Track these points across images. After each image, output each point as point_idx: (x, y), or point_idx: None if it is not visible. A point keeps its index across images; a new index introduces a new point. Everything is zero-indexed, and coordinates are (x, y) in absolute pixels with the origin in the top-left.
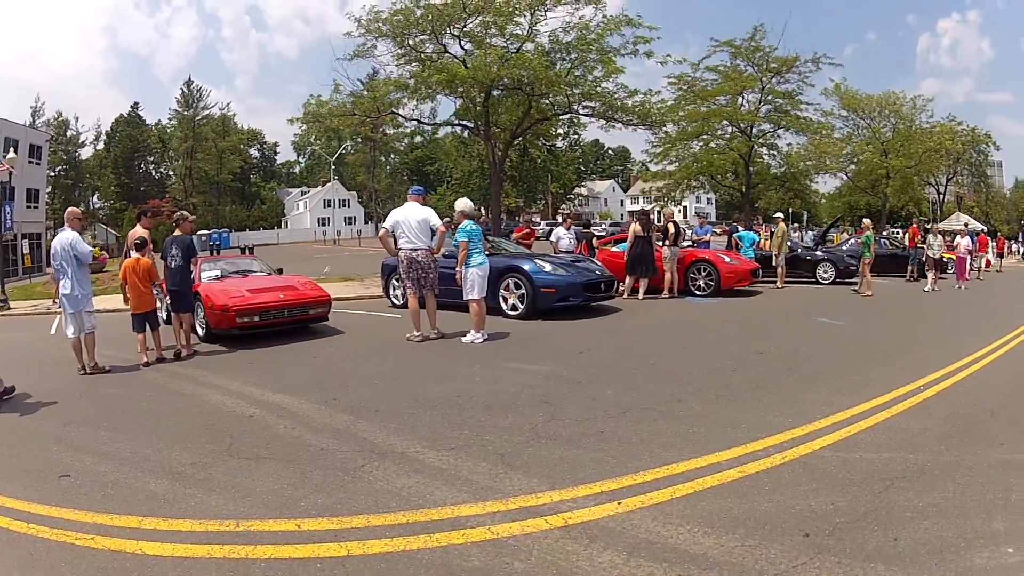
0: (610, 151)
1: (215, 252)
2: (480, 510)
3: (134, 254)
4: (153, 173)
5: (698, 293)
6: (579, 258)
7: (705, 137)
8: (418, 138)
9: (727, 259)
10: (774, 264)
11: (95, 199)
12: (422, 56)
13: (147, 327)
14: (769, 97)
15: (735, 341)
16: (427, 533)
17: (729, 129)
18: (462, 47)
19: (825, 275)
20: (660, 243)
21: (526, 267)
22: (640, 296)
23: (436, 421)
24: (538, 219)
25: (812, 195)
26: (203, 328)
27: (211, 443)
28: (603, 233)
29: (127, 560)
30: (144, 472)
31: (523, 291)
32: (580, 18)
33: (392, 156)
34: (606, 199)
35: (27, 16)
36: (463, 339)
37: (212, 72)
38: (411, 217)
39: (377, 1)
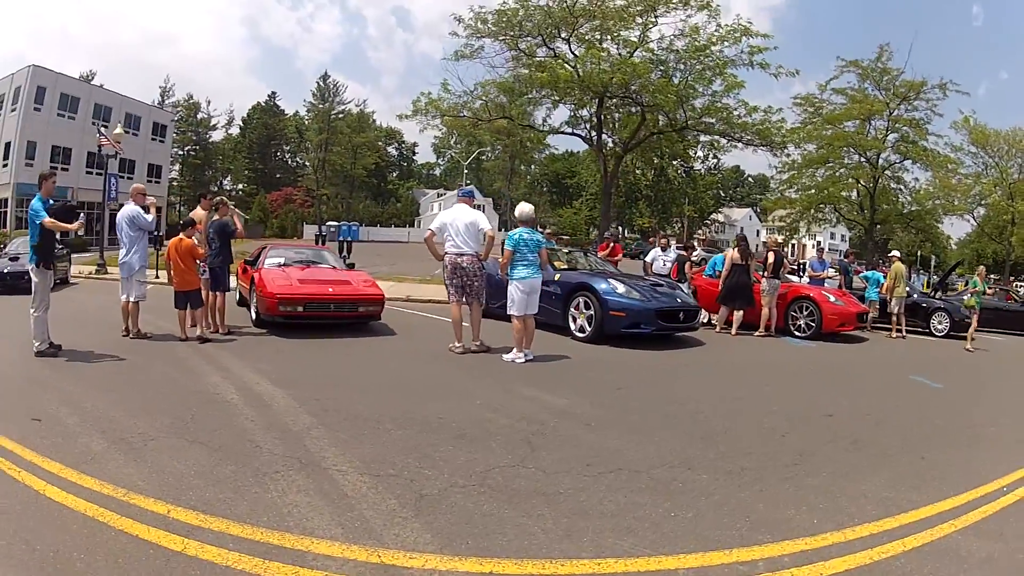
0: (750, 178)
1: (345, 245)
2: (331, 551)
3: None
4: (289, 161)
5: (797, 334)
6: (663, 282)
7: (831, 164)
8: (551, 149)
9: (832, 298)
10: (888, 310)
11: (227, 181)
12: (533, 60)
13: (188, 305)
14: (896, 125)
15: (806, 396)
16: (261, 556)
17: (855, 157)
18: (573, 52)
19: (939, 326)
20: (760, 272)
21: (597, 286)
22: (733, 331)
23: (392, 441)
24: (672, 241)
25: (941, 238)
26: (255, 312)
27: (170, 419)
28: (698, 259)
29: (22, 490)
30: (97, 432)
31: (592, 312)
32: (693, 26)
33: (532, 167)
34: (742, 227)
35: (159, 2)
36: (504, 356)
37: (358, 69)
38: (459, 220)
39: (486, 1)
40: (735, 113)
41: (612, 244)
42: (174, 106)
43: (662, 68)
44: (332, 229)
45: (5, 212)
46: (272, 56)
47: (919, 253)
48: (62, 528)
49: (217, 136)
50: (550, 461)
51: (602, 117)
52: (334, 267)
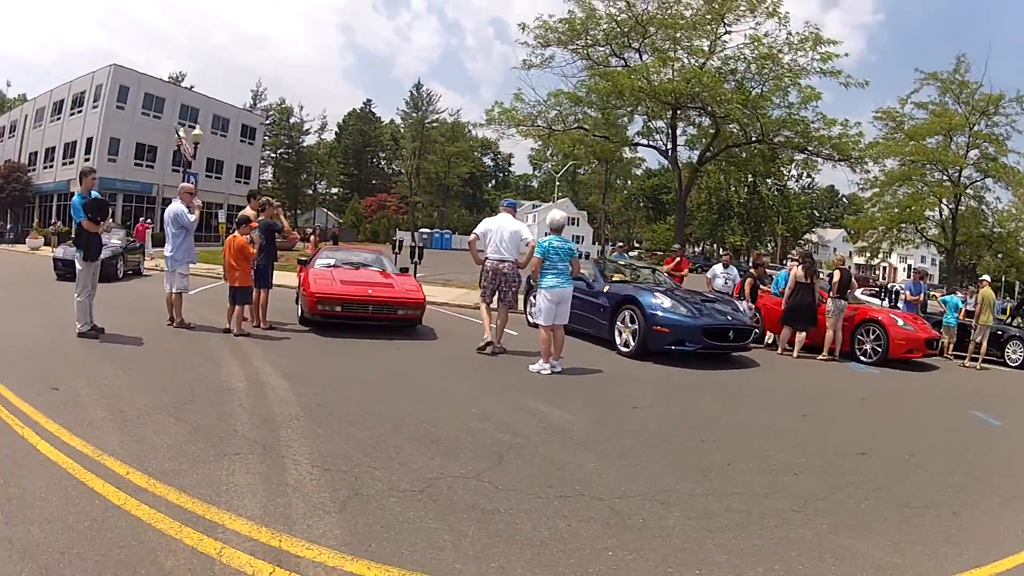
0: (844, 199)
1: (417, 251)
2: (241, 528)
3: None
4: (384, 168)
5: (863, 359)
6: (718, 299)
7: (912, 181)
8: (648, 164)
9: (901, 322)
10: (972, 337)
11: (322, 185)
12: (605, 70)
13: (235, 299)
14: (977, 141)
15: (846, 429)
16: (180, 521)
17: (937, 175)
18: (643, 61)
19: (1014, 355)
20: (830, 293)
21: (643, 300)
22: (795, 353)
23: (361, 439)
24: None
25: None
26: (300, 310)
27: (171, 399)
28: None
29: (18, 441)
30: (102, 404)
31: (636, 327)
32: (765, 34)
33: (629, 181)
34: (835, 248)
35: (252, 4)
36: (531, 367)
37: (456, 78)
38: (504, 228)
39: (554, 9)
40: (812, 126)
41: (678, 259)
42: (266, 110)
43: (734, 78)
44: (425, 237)
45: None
46: (368, 63)
47: (1003, 279)
48: (37, 475)
49: (310, 141)
50: (510, 477)
51: (675, 129)
52: (384, 271)
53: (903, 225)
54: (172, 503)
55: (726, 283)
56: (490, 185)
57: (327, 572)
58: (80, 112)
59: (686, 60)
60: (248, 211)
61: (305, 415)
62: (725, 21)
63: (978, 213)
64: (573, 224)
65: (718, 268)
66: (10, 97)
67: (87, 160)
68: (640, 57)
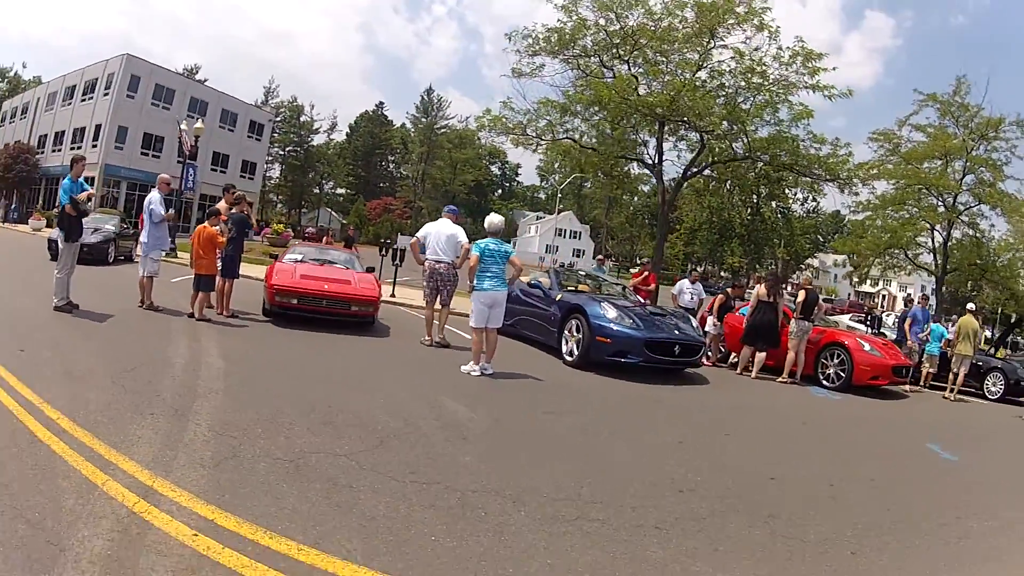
0: (851, 225)
1: (398, 252)
2: (126, 466)
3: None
4: (393, 172)
5: (826, 384)
6: (671, 313)
7: (905, 205)
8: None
9: (867, 347)
10: (952, 368)
11: (329, 184)
12: (592, 80)
13: (199, 286)
14: (974, 166)
15: (767, 453)
16: (84, 456)
17: (932, 200)
18: (632, 74)
19: (993, 388)
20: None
21: (588, 309)
22: (753, 373)
23: (263, 414)
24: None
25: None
26: (263, 301)
27: (118, 367)
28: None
29: None
30: (58, 365)
31: (581, 336)
32: (756, 48)
33: (636, 197)
34: (836, 275)
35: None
36: (462, 367)
37: (472, 85)
38: (441, 232)
39: (544, 18)
40: (802, 144)
41: (646, 273)
42: (277, 107)
43: (722, 92)
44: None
45: (92, 190)
46: (387, 65)
47: (1000, 310)
48: None
49: (319, 140)
50: (379, 460)
51: (662, 142)
52: (347, 268)
53: (894, 251)
54: (84, 443)
55: (692, 299)
56: (496, 194)
57: (178, 509)
58: (91, 99)
59: (675, 74)
60: (221, 204)
61: (224, 390)
62: (715, 35)
63: (980, 243)
64: (575, 238)
65: (685, 284)
66: (25, 79)
67: (95, 146)
68: (629, 68)
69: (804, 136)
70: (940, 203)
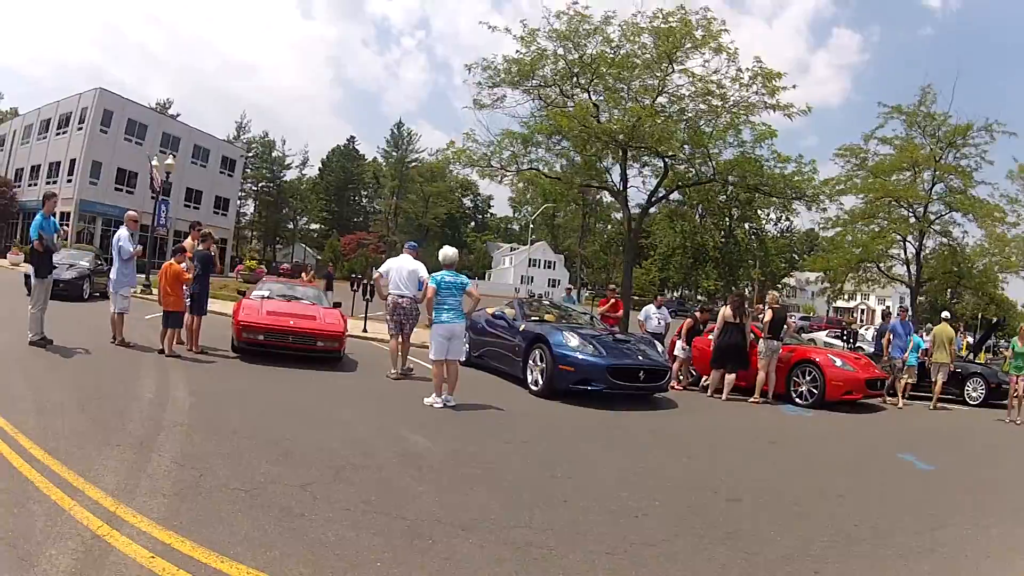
0: (823, 242)
1: (362, 287)
2: (86, 489)
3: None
4: (367, 206)
5: (799, 401)
6: (635, 339)
7: (878, 219)
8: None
9: (839, 362)
10: (931, 376)
11: (304, 220)
12: (553, 110)
13: (167, 323)
14: (942, 175)
15: (731, 474)
16: (46, 477)
17: (902, 211)
18: (593, 101)
19: (974, 393)
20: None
21: (551, 338)
22: (724, 396)
23: (227, 448)
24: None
25: (1004, 300)
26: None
27: (85, 399)
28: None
29: None
30: (30, 397)
31: (545, 365)
32: (715, 71)
33: (608, 225)
34: (813, 292)
35: (242, 32)
36: (425, 400)
37: (443, 117)
38: (403, 267)
39: (509, 48)
40: (767, 164)
41: (613, 300)
42: (249, 142)
43: (683, 117)
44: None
45: (67, 225)
46: (357, 98)
47: (980, 316)
48: None
49: (292, 175)
50: (334, 491)
51: (625, 169)
52: (314, 304)
53: (867, 264)
54: (53, 471)
55: (659, 324)
56: (470, 227)
57: (139, 533)
58: (65, 133)
59: (636, 100)
60: (187, 241)
61: (188, 424)
62: (674, 59)
63: (955, 250)
64: (550, 268)
65: (651, 309)
66: (2, 110)
67: (69, 181)
68: (590, 96)
69: (769, 156)
70: (911, 214)
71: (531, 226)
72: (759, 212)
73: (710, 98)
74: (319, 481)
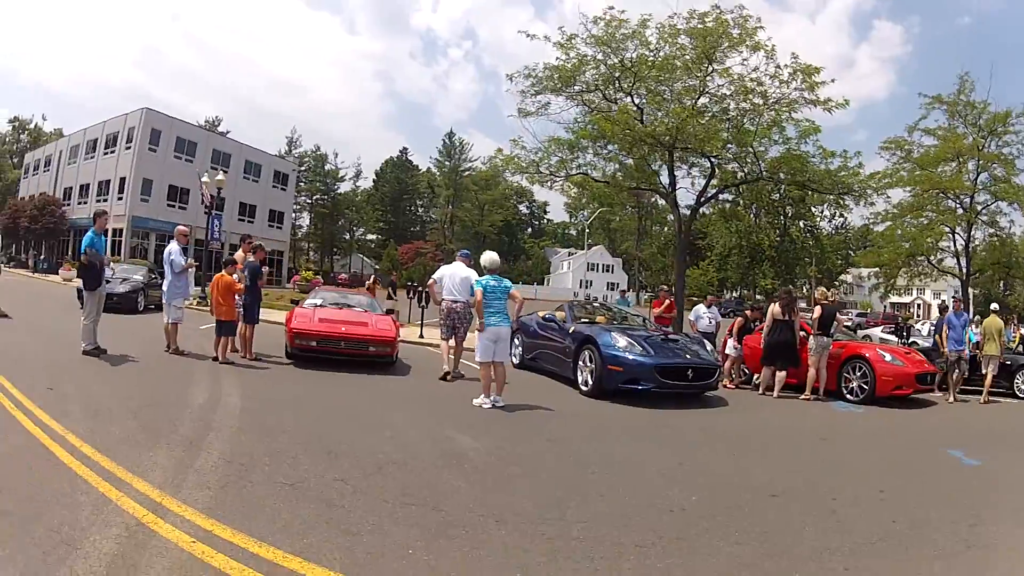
0: (875, 237)
1: (418, 294)
2: (132, 481)
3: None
4: (423, 216)
5: (849, 398)
6: (684, 338)
7: (923, 211)
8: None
9: (889, 357)
10: (982, 370)
11: (360, 231)
12: (596, 115)
13: (221, 331)
14: (986, 163)
15: (775, 471)
16: (91, 468)
17: (949, 203)
18: (636, 105)
19: (1023, 386)
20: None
21: (599, 339)
22: (775, 393)
23: (265, 445)
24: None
25: None
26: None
27: (137, 404)
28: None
29: (6, 416)
30: (81, 401)
31: (594, 366)
32: (755, 68)
33: (665, 227)
34: (867, 288)
35: (287, 50)
36: (474, 401)
37: (494, 126)
38: (456, 274)
39: (549, 56)
40: (812, 160)
41: (668, 300)
42: (301, 157)
43: (726, 116)
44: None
45: (120, 241)
46: (408, 111)
47: None
48: (17, 439)
49: (345, 187)
50: (374, 485)
51: (673, 170)
52: (366, 311)
53: (917, 258)
54: (103, 467)
55: (710, 323)
56: (527, 232)
57: (182, 521)
58: (113, 152)
59: (678, 101)
60: (238, 254)
61: (239, 426)
62: (713, 59)
63: (1004, 241)
64: (608, 271)
65: (701, 308)
66: (46, 131)
67: (120, 199)
68: (632, 100)
69: (814, 152)
70: (958, 205)
71: (587, 231)
72: (812, 210)
73: (751, 96)
74: (361, 476)
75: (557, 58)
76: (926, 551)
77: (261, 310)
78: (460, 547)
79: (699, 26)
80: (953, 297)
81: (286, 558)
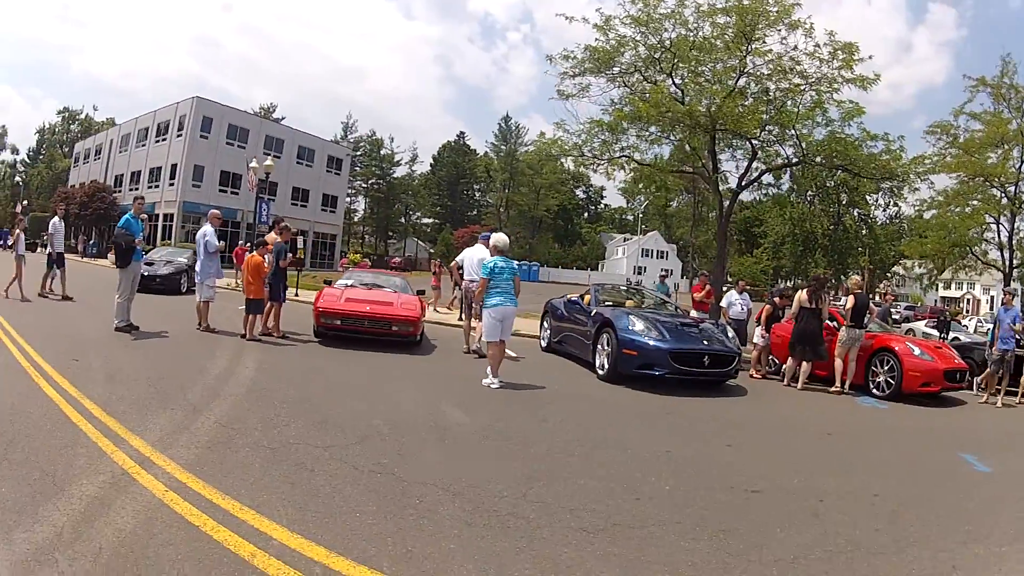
0: (918, 226)
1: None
2: (136, 443)
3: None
4: (479, 200)
5: (876, 392)
6: (706, 324)
7: (967, 199)
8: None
9: (917, 351)
10: None
11: (416, 214)
12: (634, 96)
13: (249, 309)
14: None
15: (765, 465)
16: (100, 432)
17: (993, 191)
18: (677, 86)
19: None
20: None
21: (617, 323)
22: (799, 384)
23: (262, 412)
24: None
25: None
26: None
27: (154, 373)
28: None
29: (28, 382)
30: (103, 371)
31: (611, 349)
32: (795, 47)
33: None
34: (910, 279)
35: (344, 36)
36: (483, 381)
37: (554, 110)
38: (474, 257)
39: (585, 37)
40: (856, 143)
41: (707, 286)
42: (357, 141)
43: (767, 98)
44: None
45: (171, 225)
46: (468, 95)
47: None
48: (34, 402)
49: (400, 172)
50: (351, 453)
51: (715, 153)
52: (394, 291)
53: (960, 248)
54: (107, 426)
55: (742, 310)
56: (583, 217)
57: (162, 473)
58: (165, 140)
59: (719, 81)
60: (270, 236)
61: (244, 395)
62: (751, 39)
63: None
64: (662, 258)
65: (733, 295)
66: (98, 120)
67: (172, 185)
68: (672, 81)
69: (858, 134)
70: (1002, 194)
71: (641, 216)
72: (867, 198)
73: (790, 76)
74: (342, 444)
75: (596, 39)
76: (904, 566)
77: (296, 290)
78: (408, 515)
79: (736, 4)
80: (1005, 290)
81: (242, 510)
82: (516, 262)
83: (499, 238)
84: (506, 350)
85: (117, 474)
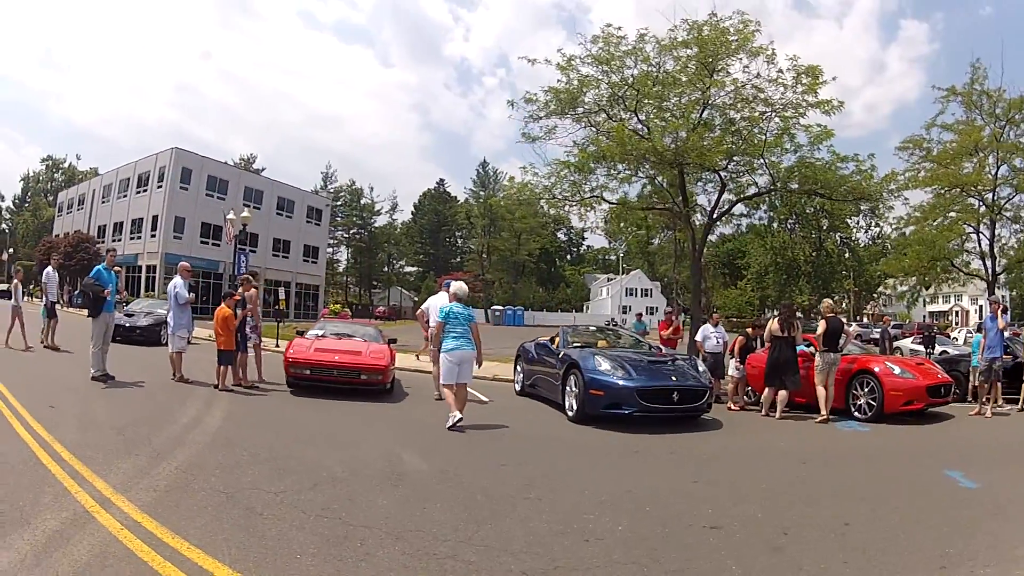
0: (897, 243)
1: None
2: (100, 487)
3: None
4: (462, 246)
5: (858, 415)
6: (674, 360)
7: (944, 211)
8: (720, 231)
9: (897, 370)
10: None
11: (399, 263)
12: (599, 135)
13: (220, 360)
14: (1006, 155)
15: (731, 498)
16: (69, 476)
17: (970, 201)
18: (642, 123)
19: None
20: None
21: (583, 364)
22: (777, 414)
23: (220, 460)
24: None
25: None
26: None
27: (124, 421)
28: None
29: (4, 424)
30: (76, 417)
31: (578, 390)
32: (757, 74)
33: (705, 249)
34: (894, 297)
35: (322, 84)
36: (446, 424)
37: (533, 154)
38: (438, 304)
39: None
40: (826, 167)
41: (674, 321)
42: (337, 191)
43: (733, 129)
44: (498, 313)
45: (154, 277)
46: (445, 142)
47: None
48: (9, 443)
49: (382, 221)
50: (302, 498)
51: (684, 187)
52: (364, 341)
53: (940, 261)
54: (74, 469)
55: (717, 343)
56: (566, 260)
57: (120, 513)
58: (145, 191)
59: (684, 116)
60: (240, 289)
61: (208, 443)
62: (713, 70)
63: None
64: (647, 296)
65: (708, 328)
66: (81, 169)
67: (153, 236)
68: (638, 118)
69: (828, 157)
70: (980, 202)
71: (621, 256)
72: (847, 222)
73: (753, 104)
74: (295, 490)
75: (558, 80)
76: None
77: (276, 340)
78: (349, 558)
79: (695, 36)
80: (990, 298)
81: (189, 549)
82: (501, 307)
83: (458, 286)
84: (471, 391)
85: (79, 512)
